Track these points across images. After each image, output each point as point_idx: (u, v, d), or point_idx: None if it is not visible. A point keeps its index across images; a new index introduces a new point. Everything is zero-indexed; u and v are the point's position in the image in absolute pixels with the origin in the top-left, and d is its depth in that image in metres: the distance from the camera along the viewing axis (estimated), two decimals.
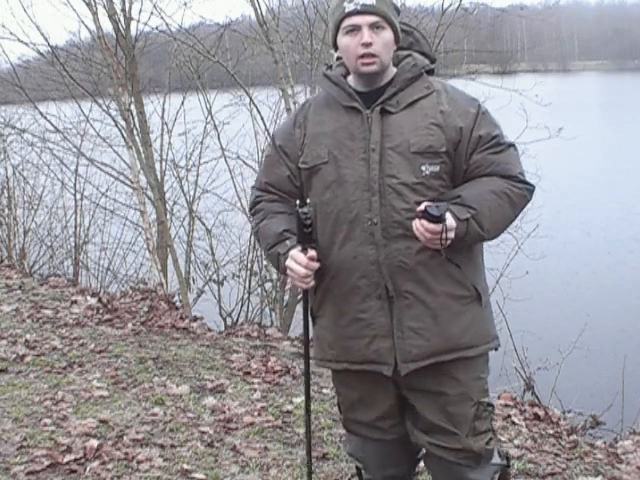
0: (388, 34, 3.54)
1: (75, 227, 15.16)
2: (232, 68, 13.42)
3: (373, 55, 3.50)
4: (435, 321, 3.56)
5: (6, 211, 16.23)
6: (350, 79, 3.69)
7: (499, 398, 7.49)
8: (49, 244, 15.89)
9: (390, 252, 3.51)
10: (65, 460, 5.17)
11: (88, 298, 10.09)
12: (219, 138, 13.53)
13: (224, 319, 12.79)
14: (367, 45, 3.49)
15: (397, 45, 3.64)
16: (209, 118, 14.02)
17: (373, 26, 3.50)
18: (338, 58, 3.78)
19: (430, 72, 3.72)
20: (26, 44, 13.18)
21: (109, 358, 7.60)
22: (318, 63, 12.85)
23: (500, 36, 74.79)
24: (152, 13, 12.89)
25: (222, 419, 6.18)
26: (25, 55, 16.14)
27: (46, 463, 5.11)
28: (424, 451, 3.90)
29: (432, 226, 3.30)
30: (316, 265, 3.50)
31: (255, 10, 12.46)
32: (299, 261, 3.47)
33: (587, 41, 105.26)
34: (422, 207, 3.31)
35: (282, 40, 12.37)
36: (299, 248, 3.49)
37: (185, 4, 12.89)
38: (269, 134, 13.36)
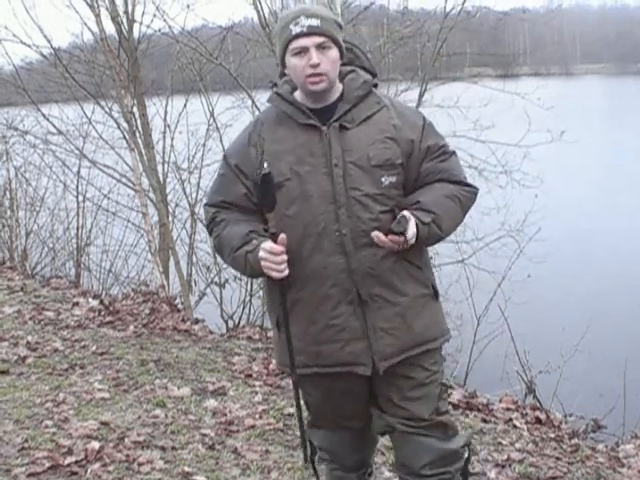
0: (334, 53, 3.68)
1: (77, 229, 15.13)
2: (235, 70, 13.44)
3: (321, 74, 3.64)
4: (403, 320, 3.78)
5: (8, 213, 16.23)
6: (297, 95, 3.81)
7: (500, 401, 7.49)
8: (51, 246, 15.88)
9: (359, 259, 3.68)
10: (66, 462, 5.17)
11: (90, 300, 10.09)
12: (221, 140, 13.51)
13: (226, 321, 12.78)
14: (315, 66, 3.61)
15: (342, 61, 3.77)
16: (211, 120, 14.03)
17: (320, 46, 3.63)
18: (282, 75, 3.90)
19: (374, 86, 3.88)
20: (29, 46, 13.23)
21: (110, 360, 7.61)
22: None
23: (502, 39, 74.62)
24: (155, 15, 12.88)
25: (223, 422, 6.19)
26: (28, 57, 16.18)
27: (47, 465, 5.11)
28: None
29: (395, 238, 3.56)
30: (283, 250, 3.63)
31: (258, 13, 12.50)
32: (272, 250, 3.60)
33: (589, 44, 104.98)
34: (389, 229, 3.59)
35: None
36: (269, 240, 3.63)
37: (188, 7, 12.96)
38: None
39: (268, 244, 3.61)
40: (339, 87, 3.78)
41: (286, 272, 3.64)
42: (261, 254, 3.62)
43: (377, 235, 3.57)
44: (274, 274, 3.64)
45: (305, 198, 3.68)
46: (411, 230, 3.56)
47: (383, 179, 3.68)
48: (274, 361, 4.15)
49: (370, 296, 3.71)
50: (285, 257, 3.61)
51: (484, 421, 6.83)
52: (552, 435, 6.74)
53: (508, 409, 7.33)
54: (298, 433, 4.77)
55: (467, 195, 3.88)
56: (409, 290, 3.78)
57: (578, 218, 22.22)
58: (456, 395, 7.34)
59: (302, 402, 4.06)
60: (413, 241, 3.59)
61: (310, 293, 3.74)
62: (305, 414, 4.13)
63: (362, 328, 3.73)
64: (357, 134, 3.71)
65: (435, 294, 3.92)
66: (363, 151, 3.68)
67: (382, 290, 3.72)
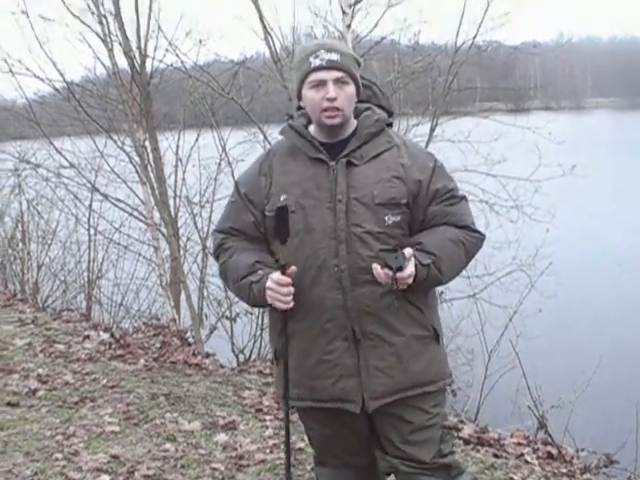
0: (351, 89, 3.72)
1: (88, 262, 15.19)
2: (246, 105, 13.49)
3: (337, 109, 3.67)
4: (399, 360, 3.77)
5: (20, 245, 16.31)
6: (312, 129, 3.84)
7: (512, 436, 7.44)
8: (62, 279, 15.93)
9: (356, 297, 3.68)
10: None
11: (101, 333, 10.09)
12: (233, 175, 13.52)
13: (236, 355, 12.77)
14: (332, 100, 3.64)
15: (358, 98, 3.79)
16: (223, 155, 14.07)
17: (338, 81, 3.66)
18: (299, 108, 3.92)
19: (389, 125, 3.90)
20: (42, 80, 13.27)
21: (121, 393, 7.59)
22: None
23: (513, 73, 75.00)
24: (167, 50, 12.94)
25: (234, 456, 6.16)
26: (41, 90, 16.23)
27: None
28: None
29: (388, 272, 3.54)
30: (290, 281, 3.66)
31: (269, 48, 12.56)
32: (280, 281, 3.63)
33: (600, 77, 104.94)
34: (383, 260, 3.56)
35: None
36: (278, 271, 3.65)
37: (200, 42, 13.00)
38: None
39: (277, 275, 3.63)
40: (353, 123, 3.80)
41: (291, 304, 3.66)
42: (269, 284, 3.65)
43: (375, 267, 3.56)
44: (279, 305, 3.67)
45: (308, 231, 3.69)
46: (409, 269, 3.56)
47: (386, 218, 3.68)
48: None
49: (364, 334, 3.71)
50: (292, 289, 3.63)
51: (495, 456, 6.79)
52: (564, 470, 6.69)
53: (519, 444, 7.28)
54: (308, 467, 4.76)
55: (472, 241, 3.86)
56: (406, 330, 3.75)
57: (590, 253, 22.20)
58: (467, 430, 7.30)
59: (306, 437, 4.06)
60: (410, 281, 3.58)
61: (307, 326, 3.76)
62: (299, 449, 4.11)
63: (355, 365, 3.74)
64: (364, 171, 3.72)
65: (436, 336, 3.88)
66: (368, 189, 3.69)
67: (378, 328, 3.72)
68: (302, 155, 3.78)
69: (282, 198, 3.70)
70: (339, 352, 3.73)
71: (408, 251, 3.59)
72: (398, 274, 3.52)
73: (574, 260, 20.47)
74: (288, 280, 3.61)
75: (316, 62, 3.64)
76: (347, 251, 3.65)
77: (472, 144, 15.17)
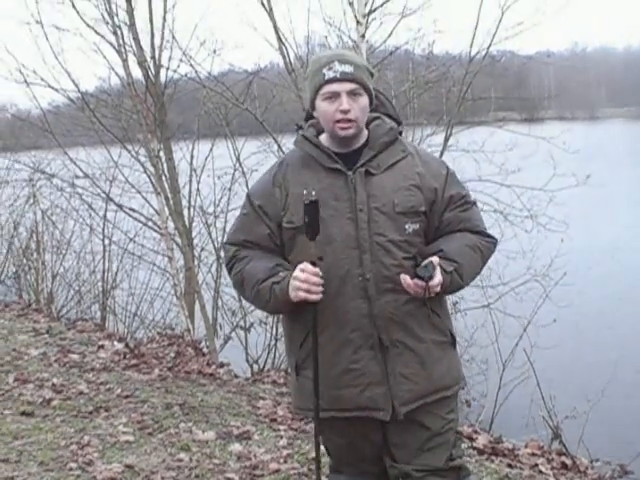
0: (365, 100, 3.74)
1: (103, 272, 15.18)
2: (261, 115, 13.51)
3: (350, 120, 3.69)
4: (422, 366, 3.81)
5: (35, 255, 16.34)
6: (323, 139, 3.85)
7: (526, 447, 7.43)
8: (77, 289, 15.93)
9: (382, 305, 3.70)
10: None
11: (115, 343, 10.11)
12: (247, 185, 13.52)
13: (251, 365, 12.76)
14: (345, 112, 3.66)
15: (371, 108, 3.82)
16: (237, 165, 14.07)
17: (351, 93, 3.68)
18: (307, 118, 3.95)
19: (399, 134, 3.92)
20: (56, 90, 13.29)
21: (135, 403, 7.60)
22: None
23: (527, 83, 74.90)
24: (181, 60, 12.99)
25: (248, 466, 6.16)
26: (55, 101, 16.29)
27: None
28: None
29: (419, 282, 3.56)
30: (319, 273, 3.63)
31: (283, 58, 12.59)
32: (307, 268, 3.60)
33: (615, 87, 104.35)
34: (411, 270, 3.59)
35: None
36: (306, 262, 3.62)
37: (214, 52, 13.02)
38: None
39: (304, 264, 3.61)
40: (365, 133, 3.82)
41: (320, 295, 3.62)
42: (296, 273, 3.61)
43: (404, 278, 3.58)
44: (307, 295, 3.60)
45: (328, 242, 3.68)
46: (437, 278, 3.59)
47: (407, 226, 3.71)
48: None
49: (391, 342, 3.73)
50: (321, 280, 3.60)
51: (510, 466, 6.77)
52: None
53: (534, 454, 7.27)
54: (324, 478, 4.76)
55: (487, 245, 3.93)
56: (428, 337, 3.80)
57: (604, 262, 22.10)
58: (481, 440, 7.29)
59: (322, 447, 4.06)
60: (438, 289, 3.61)
61: (330, 337, 3.75)
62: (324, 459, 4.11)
63: (382, 373, 3.75)
64: (382, 180, 3.74)
65: (453, 341, 3.95)
66: (388, 197, 3.71)
67: (403, 336, 3.74)
68: (316, 165, 3.79)
69: (313, 193, 3.65)
70: (365, 361, 3.73)
71: (435, 259, 3.62)
72: (430, 283, 3.55)
73: (589, 270, 20.39)
74: (316, 270, 3.59)
75: (330, 74, 3.66)
76: (372, 260, 3.67)
77: (486, 154, 15.13)
